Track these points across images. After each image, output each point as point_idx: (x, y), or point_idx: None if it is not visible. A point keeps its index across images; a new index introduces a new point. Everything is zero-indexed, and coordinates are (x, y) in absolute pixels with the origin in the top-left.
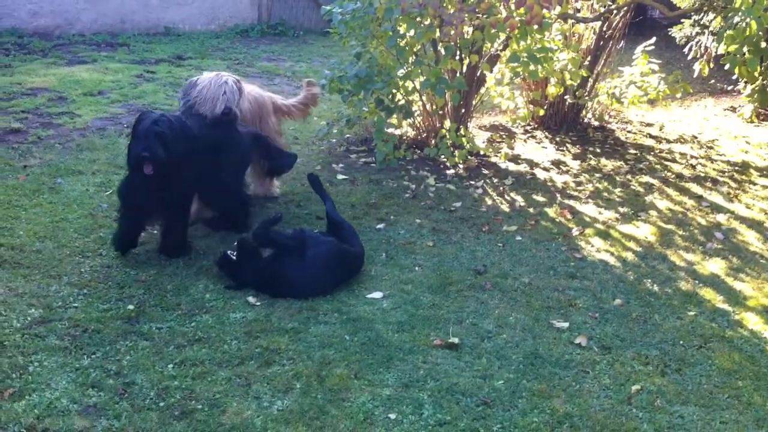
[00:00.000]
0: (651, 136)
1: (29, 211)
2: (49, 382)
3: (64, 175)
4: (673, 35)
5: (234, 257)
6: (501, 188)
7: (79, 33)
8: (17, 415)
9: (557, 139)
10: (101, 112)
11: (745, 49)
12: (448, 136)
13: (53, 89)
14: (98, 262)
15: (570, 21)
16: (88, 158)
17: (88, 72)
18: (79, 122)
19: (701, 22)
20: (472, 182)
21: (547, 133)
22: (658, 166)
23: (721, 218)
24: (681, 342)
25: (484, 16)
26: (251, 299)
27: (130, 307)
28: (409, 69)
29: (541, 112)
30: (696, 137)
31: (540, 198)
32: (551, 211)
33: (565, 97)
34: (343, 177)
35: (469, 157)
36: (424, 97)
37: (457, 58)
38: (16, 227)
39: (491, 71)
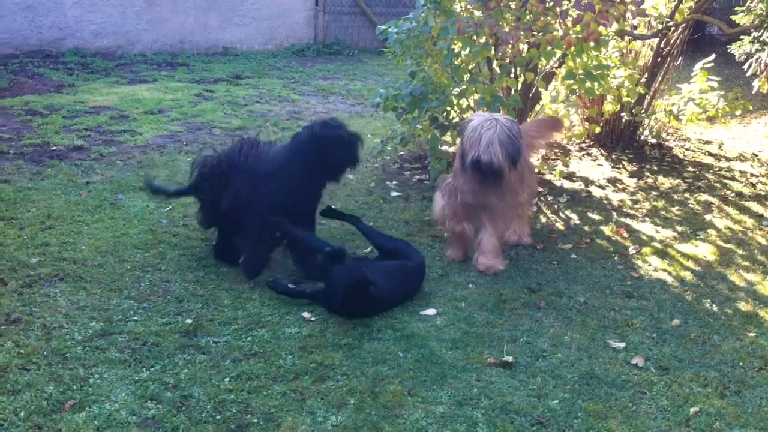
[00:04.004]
0: (710, 154)
1: (91, 227)
2: (109, 394)
3: (125, 191)
4: (732, 52)
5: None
6: (556, 206)
7: (140, 53)
8: (77, 427)
9: (613, 156)
10: (161, 130)
11: None
12: None
13: (115, 108)
14: (158, 276)
15: (627, 38)
16: None
17: (149, 91)
18: (140, 140)
19: (761, 39)
20: None
21: (602, 151)
22: (717, 185)
23: None
24: (740, 363)
25: (540, 34)
26: (306, 314)
27: (189, 321)
28: (464, 87)
29: (597, 130)
30: (756, 155)
31: (595, 216)
32: (607, 230)
33: (622, 114)
34: (397, 194)
35: None
36: None
37: (513, 75)
38: (78, 242)
39: (546, 89)
